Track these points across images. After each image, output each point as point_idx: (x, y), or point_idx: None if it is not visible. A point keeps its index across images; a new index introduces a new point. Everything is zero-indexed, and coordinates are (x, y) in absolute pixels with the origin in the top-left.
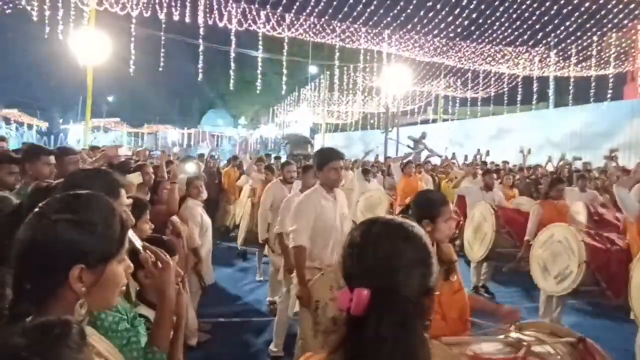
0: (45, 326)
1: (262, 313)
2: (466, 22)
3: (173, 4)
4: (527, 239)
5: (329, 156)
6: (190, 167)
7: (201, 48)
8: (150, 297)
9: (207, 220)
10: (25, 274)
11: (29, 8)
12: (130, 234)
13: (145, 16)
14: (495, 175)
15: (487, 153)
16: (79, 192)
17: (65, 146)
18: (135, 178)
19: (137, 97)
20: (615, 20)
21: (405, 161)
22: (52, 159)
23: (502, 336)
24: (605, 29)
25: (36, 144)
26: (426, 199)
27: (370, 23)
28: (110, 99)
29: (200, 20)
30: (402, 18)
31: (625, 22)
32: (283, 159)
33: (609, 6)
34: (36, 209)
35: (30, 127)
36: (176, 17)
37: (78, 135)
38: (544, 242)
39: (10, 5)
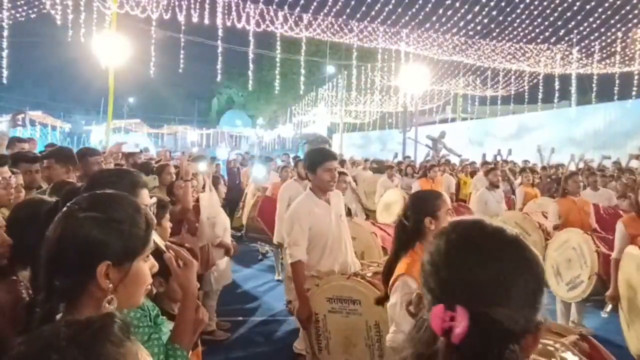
0: (88, 320)
1: (280, 312)
2: (486, 20)
3: (192, 6)
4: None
5: (321, 156)
6: (202, 166)
7: (220, 49)
8: (165, 306)
9: (226, 220)
10: (54, 271)
11: (52, 12)
12: (154, 235)
13: (165, 18)
14: (499, 172)
15: (510, 152)
16: (105, 191)
17: (88, 147)
18: (150, 182)
19: (157, 99)
20: None
21: (428, 165)
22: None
23: None
24: (630, 25)
25: (61, 146)
26: (419, 198)
27: (388, 22)
28: (131, 100)
29: (219, 21)
30: (420, 16)
31: None
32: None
33: (634, 1)
34: (64, 209)
35: (54, 128)
36: (195, 19)
37: (100, 136)
38: (560, 245)
39: (35, 10)
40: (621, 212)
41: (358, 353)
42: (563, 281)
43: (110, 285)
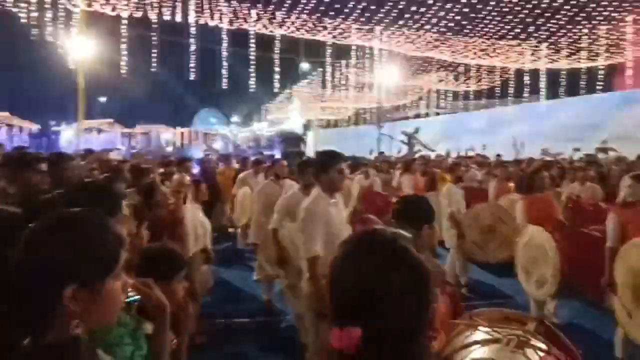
0: (56, 344)
1: (261, 313)
2: (458, 17)
3: (163, 3)
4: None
5: (333, 157)
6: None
7: (192, 47)
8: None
9: (207, 223)
10: (19, 294)
11: (15, 10)
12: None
13: (136, 16)
14: (463, 168)
15: (484, 147)
16: (73, 210)
17: (61, 152)
18: (130, 196)
19: (129, 98)
20: (605, 13)
21: (409, 160)
22: None
23: (484, 334)
24: (595, 22)
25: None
26: (413, 204)
27: (362, 19)
28: (102, 99)
29: (192, 19)
30: (393, 14)
31: (615, 14)
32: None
33: None
34: (30, 229)
35: (21, 130)
36: (167, 17)
37: (71, 137)
38: (525, 243)
39: None
40: (602, 205)
41: None
42: (532, 279)
43: (78, 308)
